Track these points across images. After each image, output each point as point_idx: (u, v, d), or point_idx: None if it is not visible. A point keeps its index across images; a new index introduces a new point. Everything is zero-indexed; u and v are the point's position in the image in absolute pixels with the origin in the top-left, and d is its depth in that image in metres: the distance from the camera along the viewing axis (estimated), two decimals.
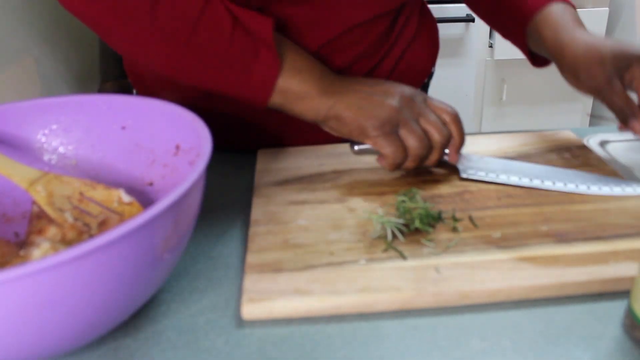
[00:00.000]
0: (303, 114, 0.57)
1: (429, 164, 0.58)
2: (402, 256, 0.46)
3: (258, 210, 0.54)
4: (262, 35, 0.54)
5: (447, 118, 0.57)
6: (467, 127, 0.59)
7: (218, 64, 0.54)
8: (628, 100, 0.58)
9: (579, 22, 0.63)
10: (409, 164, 0.56)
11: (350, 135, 0.56)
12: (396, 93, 0.56)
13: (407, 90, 0.57)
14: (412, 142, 0.55)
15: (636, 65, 0.58)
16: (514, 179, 0.57)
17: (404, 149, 0.55)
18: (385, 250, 0.47)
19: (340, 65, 0.65)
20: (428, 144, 0.56)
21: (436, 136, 0.55)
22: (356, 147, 0.57)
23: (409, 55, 0.72)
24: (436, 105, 0.57)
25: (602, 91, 0.59)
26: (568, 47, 0.61)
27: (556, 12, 0.63)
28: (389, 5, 0.65)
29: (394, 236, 0.48)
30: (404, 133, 0.55)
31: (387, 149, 0.55)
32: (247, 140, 0.70)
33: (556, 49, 0.62)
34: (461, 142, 0.58)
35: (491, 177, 0.57)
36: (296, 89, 0.55)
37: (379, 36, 0.66)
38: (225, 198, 0.59)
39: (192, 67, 0.54)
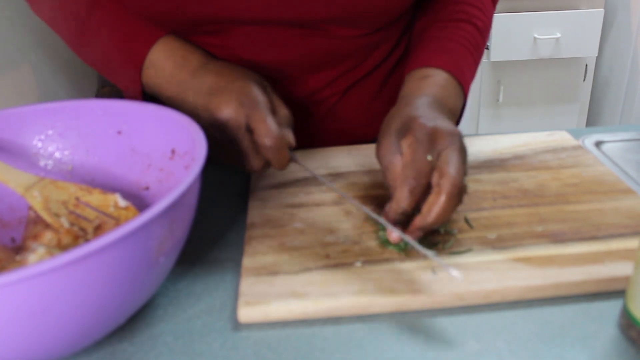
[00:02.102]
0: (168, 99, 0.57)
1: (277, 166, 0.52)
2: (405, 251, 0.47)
3: (254, 213, 0.54)
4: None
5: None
6: (464, 129, 0.56)
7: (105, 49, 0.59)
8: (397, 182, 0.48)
9: (434, 90, 0.56)
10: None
11: None
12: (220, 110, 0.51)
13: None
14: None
15: (410, 131, 0.48)
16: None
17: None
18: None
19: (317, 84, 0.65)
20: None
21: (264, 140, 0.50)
22: None
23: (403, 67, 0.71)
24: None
25: (381, 160, 0.50)
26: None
27: (424, 76, 0.58)
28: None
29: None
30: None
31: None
32: None
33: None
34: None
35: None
36: (161, 64, 0.57)
37: (360, 50, 0.65)
38: (221, 201, 0.59)
39: (86, 53, 0.62)
